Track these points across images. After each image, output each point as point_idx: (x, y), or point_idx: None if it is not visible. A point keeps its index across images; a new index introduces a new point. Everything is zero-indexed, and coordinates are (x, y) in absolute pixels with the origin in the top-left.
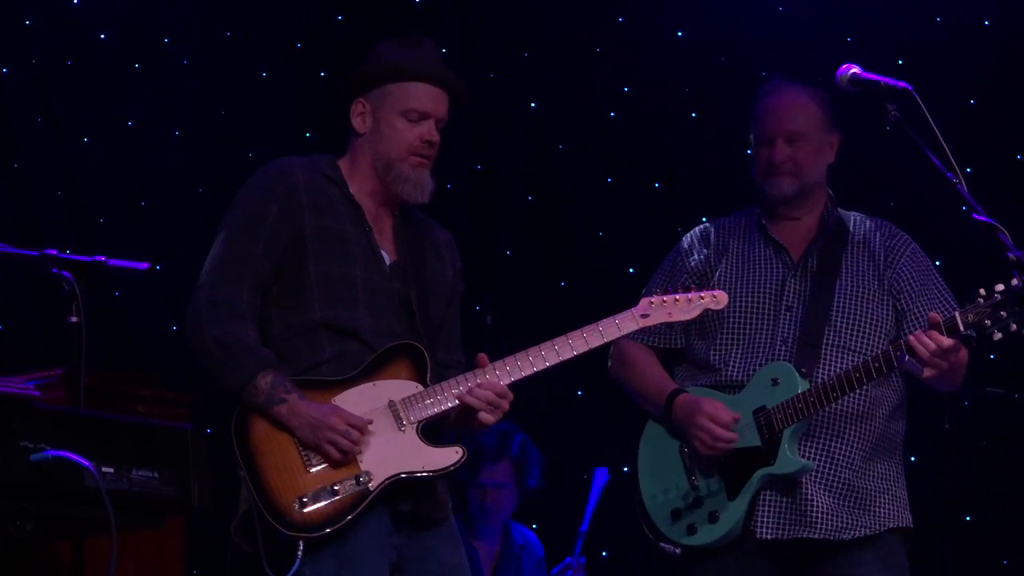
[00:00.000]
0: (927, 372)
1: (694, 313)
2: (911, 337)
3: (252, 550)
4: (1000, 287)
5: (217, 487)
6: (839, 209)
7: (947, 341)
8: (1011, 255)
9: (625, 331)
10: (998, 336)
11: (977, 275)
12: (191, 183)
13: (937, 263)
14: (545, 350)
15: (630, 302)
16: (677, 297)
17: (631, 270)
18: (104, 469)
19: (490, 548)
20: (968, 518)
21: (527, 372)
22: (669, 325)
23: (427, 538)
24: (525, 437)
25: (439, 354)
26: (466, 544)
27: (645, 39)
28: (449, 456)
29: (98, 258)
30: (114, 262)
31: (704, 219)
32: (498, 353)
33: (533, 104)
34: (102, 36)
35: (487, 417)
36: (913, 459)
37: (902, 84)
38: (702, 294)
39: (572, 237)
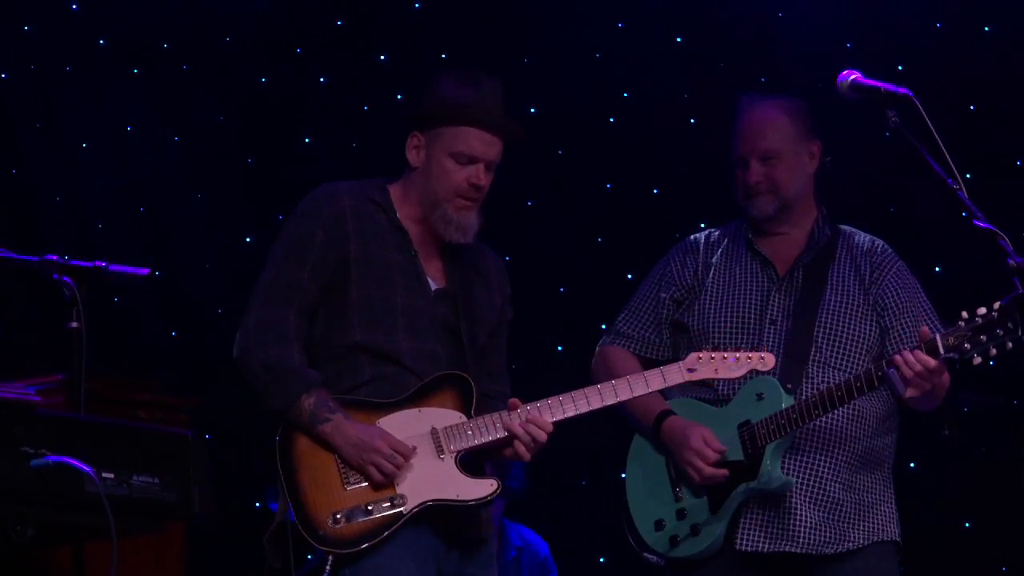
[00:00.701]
0: (909, 391)
1: (740, 372)
2: (897, 356)
3: (279, 565)
4: (982, 311)
5: (217, 493)
6: (829, 225)
7: (932, 362)
8: (1012, 261)
9: (670, 383)
10: (978, 360)
11: (975, 282)
12: (190, 189)
13: (936, 269)
14: (589, 393)
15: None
16: (726, 355)
17: (629, 276)
18: (104, 475)
19: None
20: (967, 525)
21: (570, 413)
22: (658, 334)
23: (467, 564)
24: None
25: (483, 383)
26: None
27: (644, 45)
28: (483, 488)
29: (98, 264)
30: (115, 268)
31: (702, 225)
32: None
33: (532, 109)
34: (101, 42)
35: (523, 451)
36: (912, 465)
37: (902, 90)
38: (750, 355)
39: (571, 243)
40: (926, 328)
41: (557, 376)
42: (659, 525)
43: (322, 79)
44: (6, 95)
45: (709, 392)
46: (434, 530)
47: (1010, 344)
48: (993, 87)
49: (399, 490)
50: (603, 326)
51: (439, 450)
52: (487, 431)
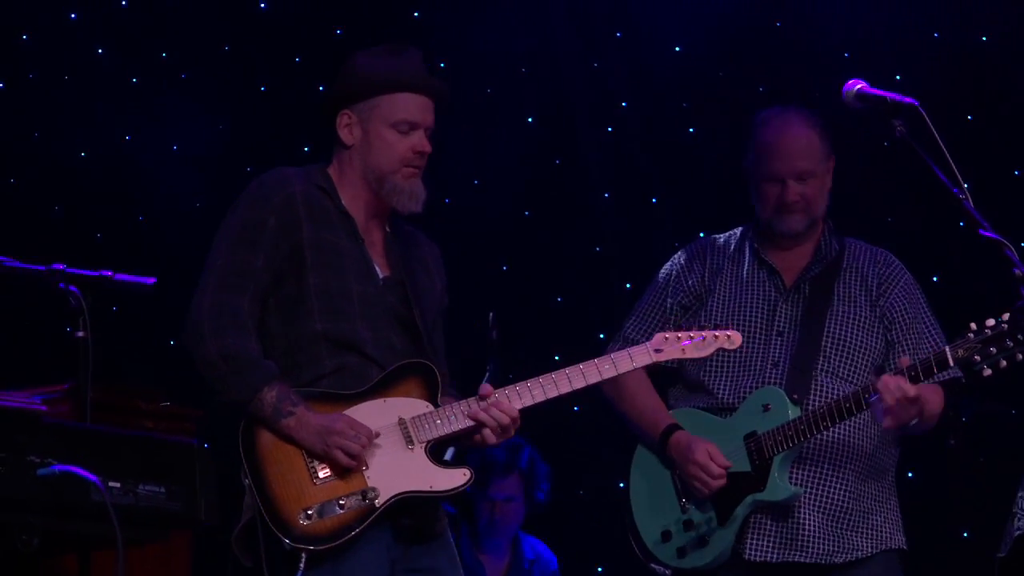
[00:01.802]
0: (887, 422)
1: (708, 351)
2: (879, 383)
3: (251, 564)
4: (991, 322)
5: (223, 501)
6: (836, 237)
7: (911, 391)
8: (1018, 271)
9: (638, 364)
10: (987, 373)
11: (972, 291)
12: (189, 198)
13: (934, 279)
14: (557, 378)
15: (626, 318)
16: (692, 334)
17: (628, 285)
18: (110, 484)
19: (497, 562)
20: (965, 534)
21: (539, 399)
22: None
23: (425, 554)
24: (533, 451)
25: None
26: (472, 558)
27: (643, 54)
28: (456, 478)
29: (104, 273)
30: (120, 277)
31: (701, 234)
32: (503, 368)
33: (530, 119)
34: (99, 51)
35: (492, 437)
36: (910, 475)
37: (908, 100)
38: (716, 333)
39: (569, 252)
40: (905, 359)
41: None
42: (666, 536)
43: (321, 88)
44: (4, 104)
45: (711, 400)
46: (397, 525)
47: (1020, 356)
48: (991, 97)
49: (370, 483)
50: (601, 335)
51: (408, 440)
52: (455, 420)
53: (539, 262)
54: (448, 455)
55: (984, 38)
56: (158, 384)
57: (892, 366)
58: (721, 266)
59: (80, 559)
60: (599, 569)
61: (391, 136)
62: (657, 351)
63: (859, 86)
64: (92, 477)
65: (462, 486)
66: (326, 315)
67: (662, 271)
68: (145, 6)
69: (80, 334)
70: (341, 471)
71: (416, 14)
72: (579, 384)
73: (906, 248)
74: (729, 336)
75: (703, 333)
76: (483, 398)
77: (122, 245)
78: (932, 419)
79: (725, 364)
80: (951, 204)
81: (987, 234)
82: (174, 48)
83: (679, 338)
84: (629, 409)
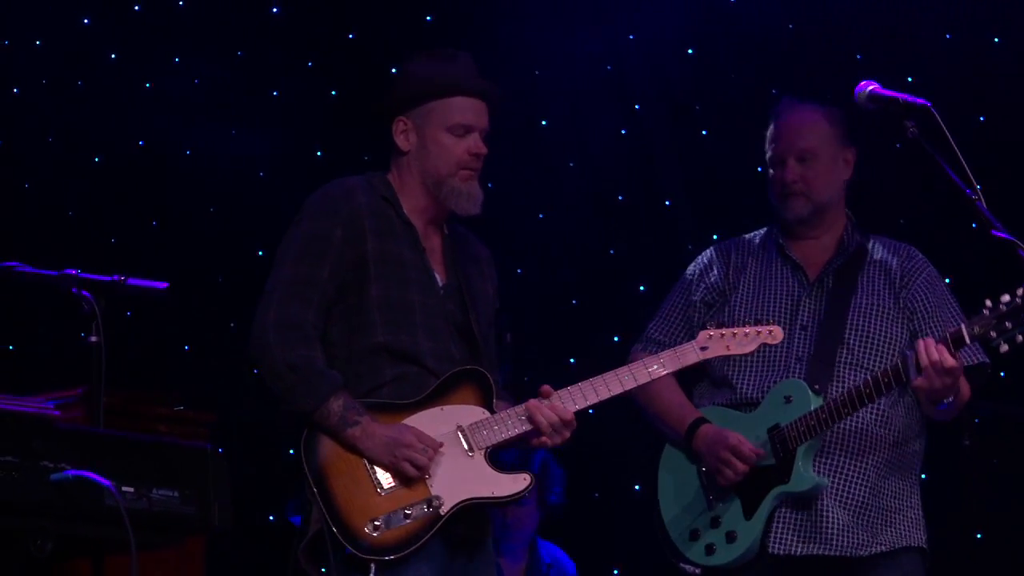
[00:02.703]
0: (919, 380)
1: (751, 347)
2: (920, 341)
3: (318, 574)
4: (1006, 298)
5: (236, 506)
6: (859, 232)
7: (950, 360)
8: None
9: (686, 363)
10: (1004, 348)
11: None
12: (203, 203)
13: (947, 279)
14: (608, 379)
15: (641, 319)
16: (735, 331)
17: (641, 287)
18: (124, 488)
19: (514, 565)
20: (979, 535)
21: (591, 400)
22: (688, 337)
23: (469, 567)
24: (547, 454)
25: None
26: None
27: (655, 57)
28: (517, 483)
29: (117, 278)
30: (133, 281)
31: (715, 236)
32: (517, 370)
33: (544, 122)
34: (112, 56)
35: (546, 440)
36: (924, 476)
37: (920, 101)
38: (759, 328)
39: (582, 254)
40: (954, 329)
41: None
42: (694, 535)
43: (333, 92)
44: (18, 109)
45: (733, 395)
46: (451, 532)
47: None
48: (1003, 98)
49: (434, 491)
50: (615, 338)
51: (468, 448)
52: (512, 425)
53: (553, 265)
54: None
55: (996, 39)
56: (171, 388)
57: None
58: (745, 263)
59: (93, 564)
60: (615, 572)
61: (447, 139)
62: (703, 348)
63: (871, 87)
64: (105, 482)
65: (523, 491)
66: (387, 327)
67: (687, 270)
68: (158, 11)
69: (93, 339)
70: (404, 480)
71: (429, 18)
72: (630, 385)
73: (919, 248)
74: (771, 331)
75: (746, 329)
76: (543, 396)
77: (135, 250)
78: (961, 404)
79: (749, 360)
80: (964, 205)
81: (999, 234)
82: (187, 53)
83: (723, 335)
84: (656, 407)
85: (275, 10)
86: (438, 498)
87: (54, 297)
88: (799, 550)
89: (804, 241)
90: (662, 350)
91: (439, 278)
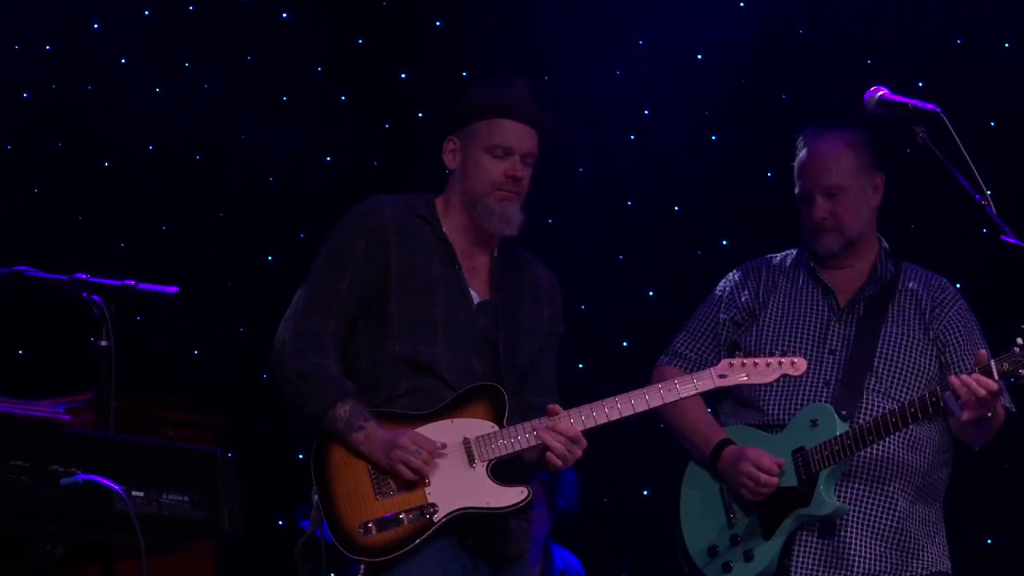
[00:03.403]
0: (966, 415)
1: (772, 377)
2: (953, 378)
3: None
4: None
5: (247, 511)
6: (892, 260)
7: (992, 383)
8: None
9: (701, 389)
10: None
11: (996, 298)
12: (212, 207)
13: (957, 285)
14: (620, 401)
15: (649, 326)
16: (756, 361)
17: (650, 293)
18: (134, 493)
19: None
20: (989, 541)
21: (600, 421)
22: (715, 355)
23: (504, 571)
24: None
25: (529, 397)
26: None
27: (665, 62)
28: (514, 495)
29: (127, 282)
30: (143, 286)
31: (724, 242)
32: None
33: None
34: (122, 60)
35: (556, 460)
36: None
37: (930, 106)
38: (781, 360)
39: (591, 260)
40: (983, 351)
41: (579, 393)
42: (712, 551)
43: (343, 97)
44: (28, 113)
45: (761, 417)
46: (462, 543)
47: None
48: (1014, 103)
49: (430, 499)
50: (624, 344)
51: (471, 459)
52: (519, 440)
53: (562, 270)
54: None
55: (1007, 44)
56: (181, 393)
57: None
58: (776, 283)
59: (104, 569)
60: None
61: (485, 160)
62: (721, 376)
63: (881, 92)
64: (115, 486)
65: (519, 503)
66: (405, 339)
67: (717, 287)
68: (168, 16)
69: (103, 343)
70: (404, 485)
71: (438, 23)
72: (642, 408)
73: (929, 255)
74: (794, 363)
75: (768, 359)
76: (551, 415)
77: (145, 254)
78: (998, 426)
79: (776, 382)
80: (974, 210)
81: (1009, 240)
82: (197, 58)
83: (744, 364)
84: (681, 426)
85: (285, 15)
86: (433, 506)
87: (64, 301)
88: (821, 575)
89: (837, 269)
90: (687, 364)
91: (475, 295)
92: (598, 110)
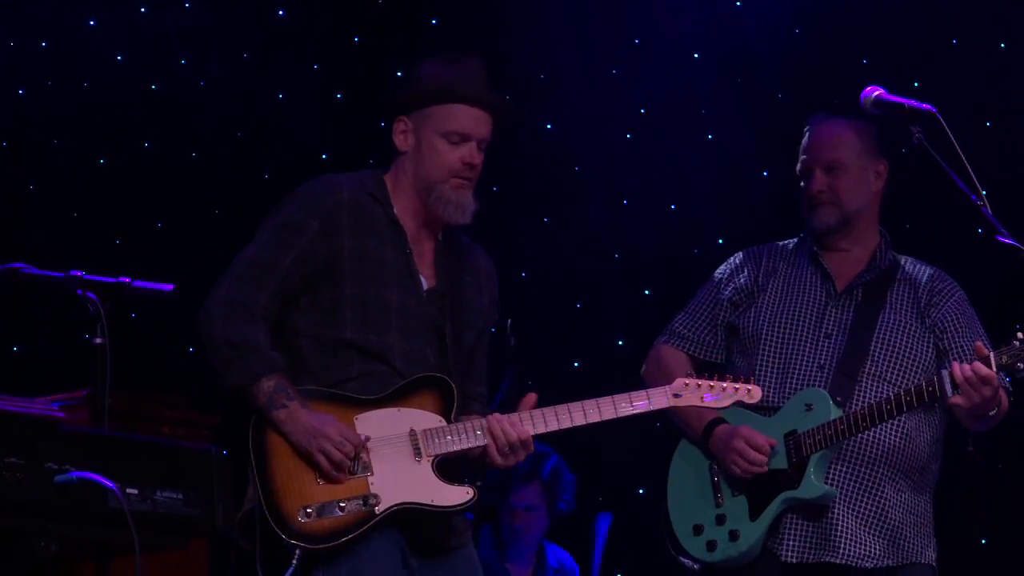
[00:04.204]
0: (957, 398)
1: (726, 402)
2: (954, 363)
3: (250, 548)
4: None
5: (241, 507)
6: (893, 251)
7: (986, 371)
8: None
9: (654, 407)
10: None
11: (993, 297)
12: (208, 205)
13: None
14: (573, 409)
15: (645, 325)
16: (712, 383)
17: (647, 291)
18: (128, 490)
19: (522, 570)
20: (984, 541)
21: (553, 427)
22: (713, 335)
23: (445, 565)
24: (559, 460)
25: (467, 386)
26: (497, 565)
27: (661, 61)
28: (459, 495)
29: (122, 279)
30: (139, 283)
31: (720, 241)
32: (522, 375)
33: (549, 126)
34: (118, 58)
35: (496, 457)
36: None
37: (926, 106)
38: (737, 385)
39: (587, 259)
40: (981, 343)
41: (574, 392)
42: (698, 530)
43: (339, 95)
44: (24, 110)
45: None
46: (404, 534)
47: None
48: (1010, 103)
49: (373, 489)
50: (620, 342)
51: (416, 452)
52: (466, 437)
53: (558, 269)
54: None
55: (1003, 44)
56: (176, 391)
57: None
58: (776, 267)
59: (98, 566)
60: (618, 575)
61: (441, 145)
62: (676, 395)
63: (877, 93)
64: (110, 484)
65: (464, 504)
66: (357, 325)
67: (717, 270)
68: (164, 13)
69: (98, 341)
70: (323, 472)
71: (434, 21)
72: (594, 418)
73: (924, 254)
74: (750, 390)
75: (723, 383)
76: (526, 404)
77: (141, 251)
78: (1002, 414)
79: (771, 364)
80: (970, 210)
81: (1005, 240)
82: (193, 55)
83: (699, 385)
84: (678, 408)
85: (281, 13)
86: (375, 496)
87: (59, 299)
88: (809, 557)
89: (836, 252)
90: (685, 344)
91: (425, 281)
92: (595, 109)
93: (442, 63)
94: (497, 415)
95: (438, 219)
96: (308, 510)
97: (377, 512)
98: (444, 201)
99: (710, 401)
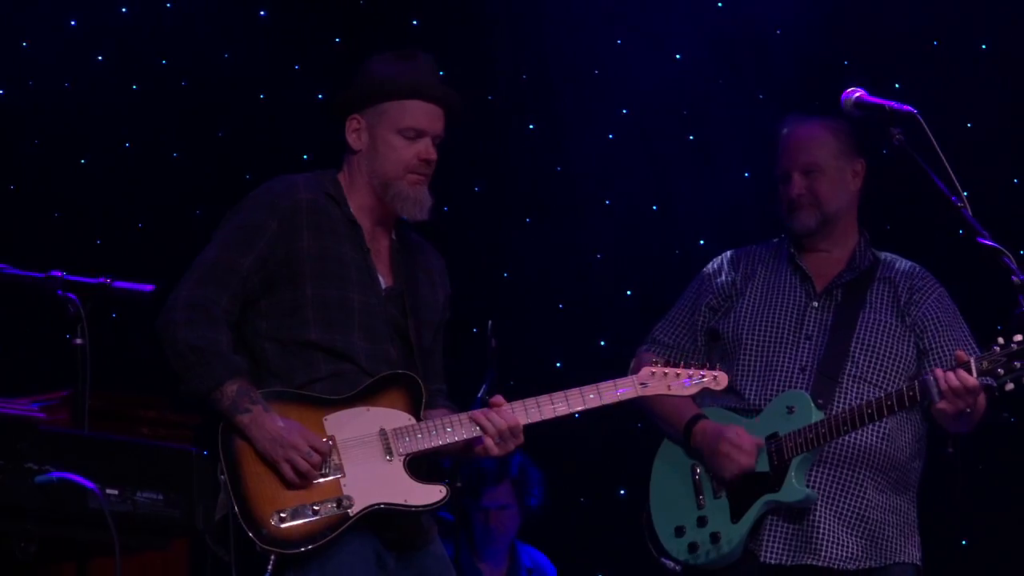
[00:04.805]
0: (942, 404)
1: (692, 390)
2: (937, 369)
3: (228, 557)
4: (1018, 338)
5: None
6: (873, 250)
7: (971, 380)
8: (1016, 279)
9: (623, 397)
10: (1010, 387)
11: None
12: (189, 206)
13: None
14: (542, 402)
15: (627, 326)
16: (679, 371)
17: (628, 292)
18: (108, 491)
19: (495, 569)
20: (964, 542)
21: (535, 419)
22: (692, 341)
23: (417, 558)
24: (524, 457)
25: (429, 383)
26: (470, 566)
27: (643, 62)
28: (432, 494)
29: (103, 280)
30: (119, 284)
31: (701, 242)
32: (503, 375)
33: (531, 126)
34: (99, 58)
35: (493, 447)
36: None
37: (907, 108)
38: (703, 372)
39: (569, 259)
40: (962, 351)
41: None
42: (679, 531)
43: (320, 95)
44: (4, 111)
45: (739, 401)
46: (377, 534)
47: None
48: (990, 105)
49: (346, 491)
50: (601, 342)
51: (387, 452)
52: (437, 435)
53: (539, 269)
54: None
55: (984, 46)
56: (157, 391)
57: (927, 370)
58: (755, 270)
59: (78, 567)
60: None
61: (397, 142)
62: (643, 384)
63: (858, 94)
64: (90, 484)
65: (437, 503)
66: (320, 326)
67: (696, 276)
68: (145, 13)
69: (78, 341)
70: (288, 480)
71: (415, 22)
72: (563, 411)
73: (904, 256)
74: (716, 377)
75: (689, 371)
76: (494, 406)
77: (121, 252)
78: (979, 414)
79: (752, 367)
80: (950, 212)
81: (985, 242)
82: (174, 55)
83: (665, 374)
84: (659, 407)
85: (263, 13)
86: (349, 498)
87: (39, 299)
88: (788, 559)
89: (815, 253)
90: (665, 351)
91: (383, 280)
92: (576, 109)
93: (393, 59)
94: (482, 410)
95: (392, 216)
96: (282, 514)
97: (351, 514)
98: (402, 197)
99: (677, 389)
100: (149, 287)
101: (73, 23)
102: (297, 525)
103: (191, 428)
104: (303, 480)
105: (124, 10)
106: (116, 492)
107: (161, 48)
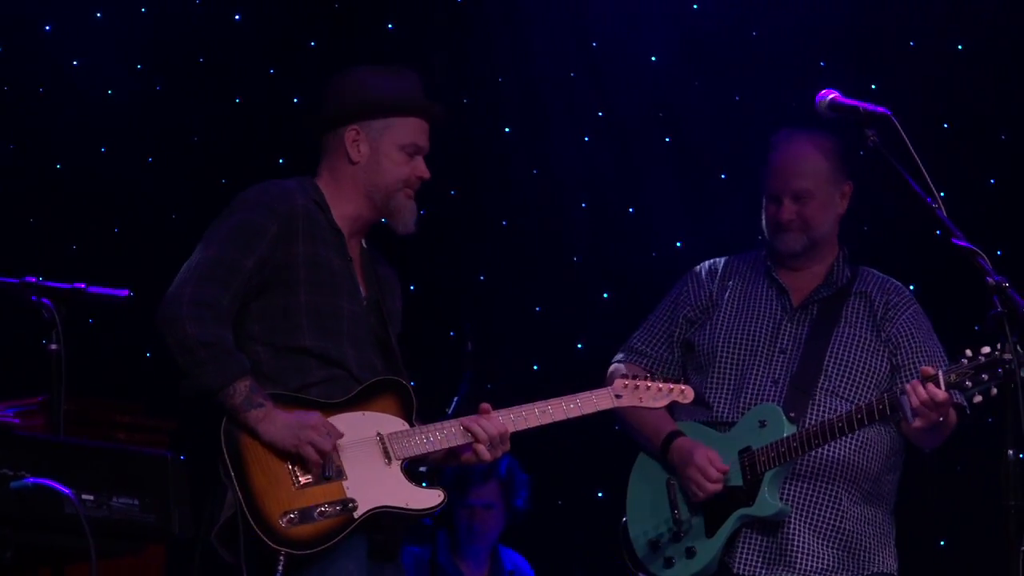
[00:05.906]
0: (917, 422)
1: (662, 402)
2: (908, 385)
3: (233, 561)
4: (985, 350)
5: (197, 513)
6: (849, 265)
7: (941, 394)
8: (990, 280)
9: (600, 408)
10: (978, 399)
11: (949, 300)
12: (164, 210)
13: (911, 287)
14: (526, 412)
15: (604, 328)
16: (649, 384)
17: (605, 295)
18: (84, 496)
19: (477, 570)
20: (942, 543)
21: (520, 427)
22: (670, 352)
23: (388, 570)
24: (512, 459)
25: None
26: (451, 566)
27: (619, 64)
28: (431, 498)
29: (78, 285)
30: (94, 289)
31: (678, 244)
32: (480, 378)
33: (507, 129)
34: (74, 63)
35: (484, 452)
36: None
37: (881, 109)
38: (671, 386)
39: (546, 262)
40: (928, 367)
41: (535, 395)
42: (655, 545)
43: (296, 99)
44: None
45: (710, 414)
46: (370, 539)
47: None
48: (967, 105)
49: (350, 494)
50: (579, 345)
51: (386, 456)
52: (432, 440)
53: (516, 272)
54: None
55: (959, 47)
56: (133, 396)
57: (899, 388)
58: (732, 282)
59: (53, 572)
60: None
61: (400, 157)
62: (618, 396)
63: (832, 96)
64: (65, 490)
65: (436, 507)
66: (314, 333)
67: (675, 286)
68: (120, 18)
69: (53, 347)
70: (319, 478)
71: (390, 26)
72: (546, 420)
73: (881, 257)
74: (683, 390)
75: (659, 384)
76: (482, 413)
77: (96, 257)
78: (949, 428)
79: (726, 380)
80: (925, 213)
81: (960, 243)
82: (149, 60)
83: (637, 387)
84: (635, 419)
85: (237, 17)
86: (353, 501)
87: (14, 305)
88: (763, 572)
89: (793, 267)
90: (642, 361)
91: (362, 289)
92: (551, 112)
93: (387, 74)
94: (473, 416)
95: (369, 227)
96: (291, 515)
97: (356, 516)
98: (399, 210)
99: (648, 401)
100: (124, 292)
101: (48, 28)
102: (306, 526)
103: (167, 433)
104: (325, 460)
105: (99, 15)
106: (92, 498)
107: (135, 53)
